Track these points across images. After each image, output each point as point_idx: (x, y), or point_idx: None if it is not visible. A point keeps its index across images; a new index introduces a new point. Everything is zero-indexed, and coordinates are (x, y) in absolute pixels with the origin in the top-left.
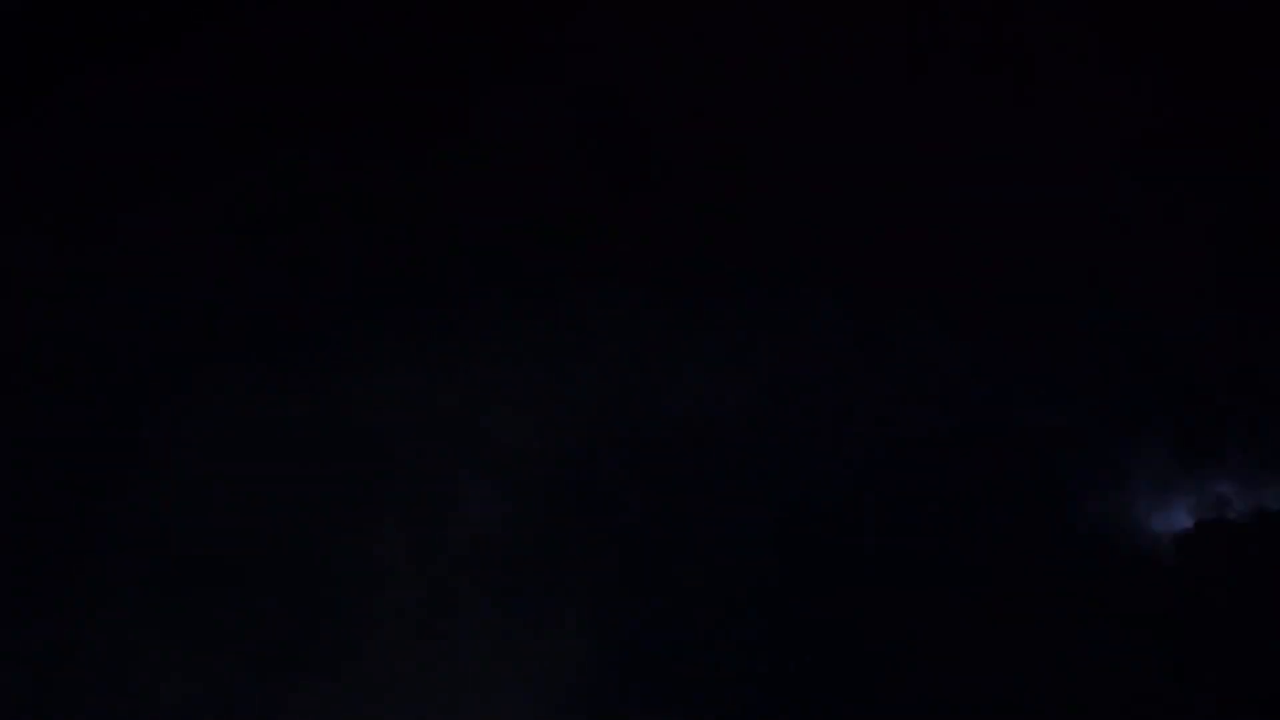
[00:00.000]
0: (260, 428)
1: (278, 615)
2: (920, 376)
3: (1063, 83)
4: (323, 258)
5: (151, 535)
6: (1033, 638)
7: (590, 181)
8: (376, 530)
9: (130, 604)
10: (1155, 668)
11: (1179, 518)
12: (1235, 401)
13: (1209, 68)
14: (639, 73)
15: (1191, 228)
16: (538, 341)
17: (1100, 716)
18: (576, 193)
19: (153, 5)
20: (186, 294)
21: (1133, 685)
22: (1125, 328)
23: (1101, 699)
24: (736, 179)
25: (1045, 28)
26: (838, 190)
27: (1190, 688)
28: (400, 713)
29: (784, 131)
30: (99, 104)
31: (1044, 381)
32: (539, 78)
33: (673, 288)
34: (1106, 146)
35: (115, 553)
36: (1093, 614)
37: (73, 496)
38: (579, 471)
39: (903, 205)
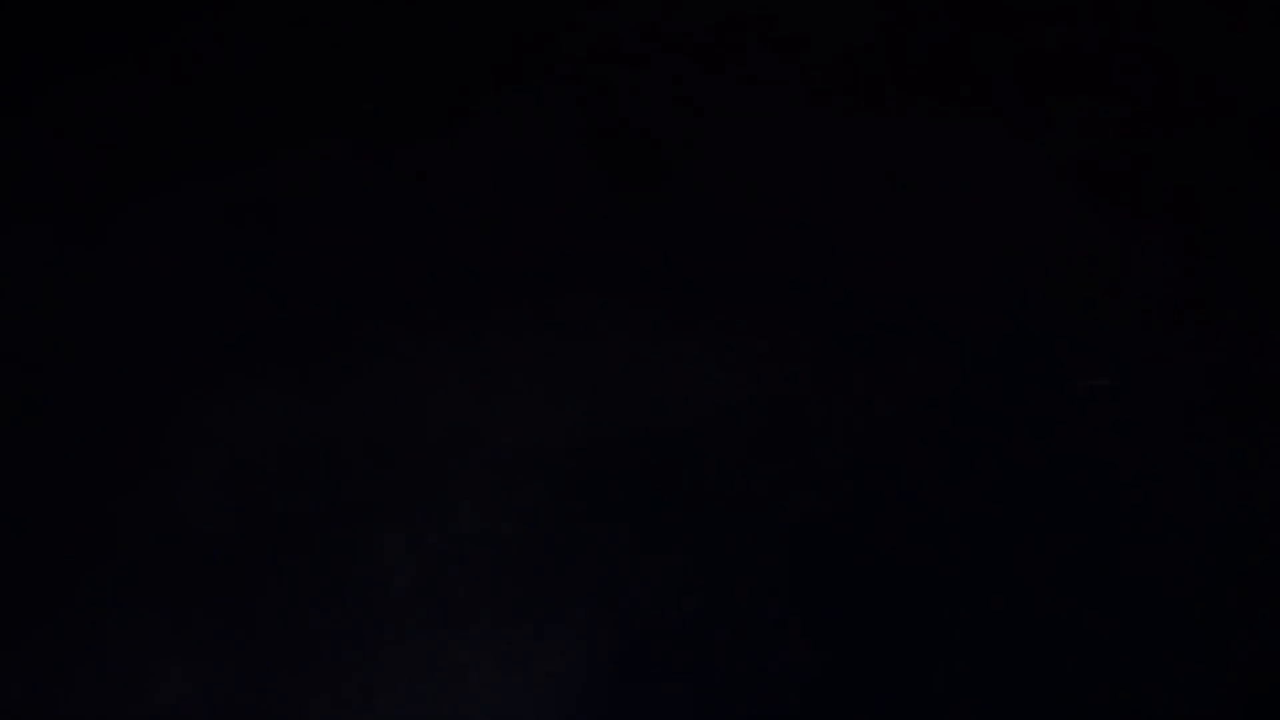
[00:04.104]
0: (259, 428)
1: (278, 615)
2: (920, 375)
3: (1067, 89)
4: (322, 258)
5: (149, 534)
6: (1048, 629)
7: (590, 182)
8: (376, 530)
9: (127, 603)
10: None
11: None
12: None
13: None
14: (641, 73)
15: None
16: (538, 340)
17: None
18: (576, 193)
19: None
20: (184, 293)
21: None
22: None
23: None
24: (739, 180)
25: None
26: (839, 194)
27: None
28: (400, 712)
29: (786, 134)
30: (96, 100)
31: (1037, 379)
32: (539, 77)
33: (675, 288)
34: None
35: (113, 552)
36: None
37: (72, 496)
38: (580, 471)
39: (907, 206)
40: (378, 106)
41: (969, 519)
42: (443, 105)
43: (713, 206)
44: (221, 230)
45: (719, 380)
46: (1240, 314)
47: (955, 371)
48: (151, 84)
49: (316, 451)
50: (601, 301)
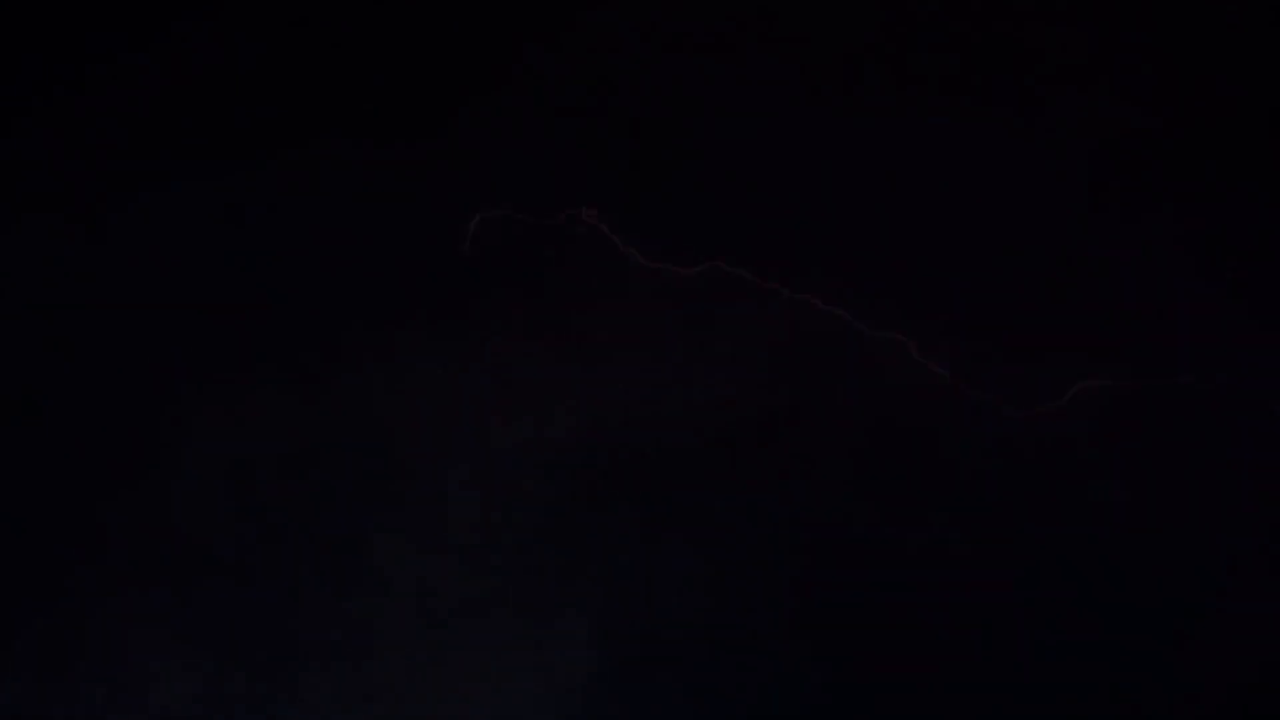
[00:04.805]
0: (257, 426)
1: (277, 615)
2: (917, 372)
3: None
4: (322, 258)
5: (148, 534)
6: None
7: (589, 179)
8: (376, 530)
9: (125, 602)
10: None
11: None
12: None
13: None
14: (641, 70)
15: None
16: (539, 339)
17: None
18: (576, 190)
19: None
20: (183, 293)
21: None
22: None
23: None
24: (740, 177)
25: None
26: (838, 190)
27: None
28: (400, 713)
29: (786, 132)
30: (96, 100)
31: (1033, 379)
32: (540, 77)
33: (674, 287)
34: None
35: (110, 549)
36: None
37: (71, 496)
38: (580, 471)
39: (907, 208)
40: (377, 106)
41: (968, 519)
42: (443, 106)
43: (712, 208)
44: (221, 230)
45: (723, 379)
46: (1242, 311)
47: (955, 372)
48: (151, 84)
49: (316, 451)
50: (602, 300)
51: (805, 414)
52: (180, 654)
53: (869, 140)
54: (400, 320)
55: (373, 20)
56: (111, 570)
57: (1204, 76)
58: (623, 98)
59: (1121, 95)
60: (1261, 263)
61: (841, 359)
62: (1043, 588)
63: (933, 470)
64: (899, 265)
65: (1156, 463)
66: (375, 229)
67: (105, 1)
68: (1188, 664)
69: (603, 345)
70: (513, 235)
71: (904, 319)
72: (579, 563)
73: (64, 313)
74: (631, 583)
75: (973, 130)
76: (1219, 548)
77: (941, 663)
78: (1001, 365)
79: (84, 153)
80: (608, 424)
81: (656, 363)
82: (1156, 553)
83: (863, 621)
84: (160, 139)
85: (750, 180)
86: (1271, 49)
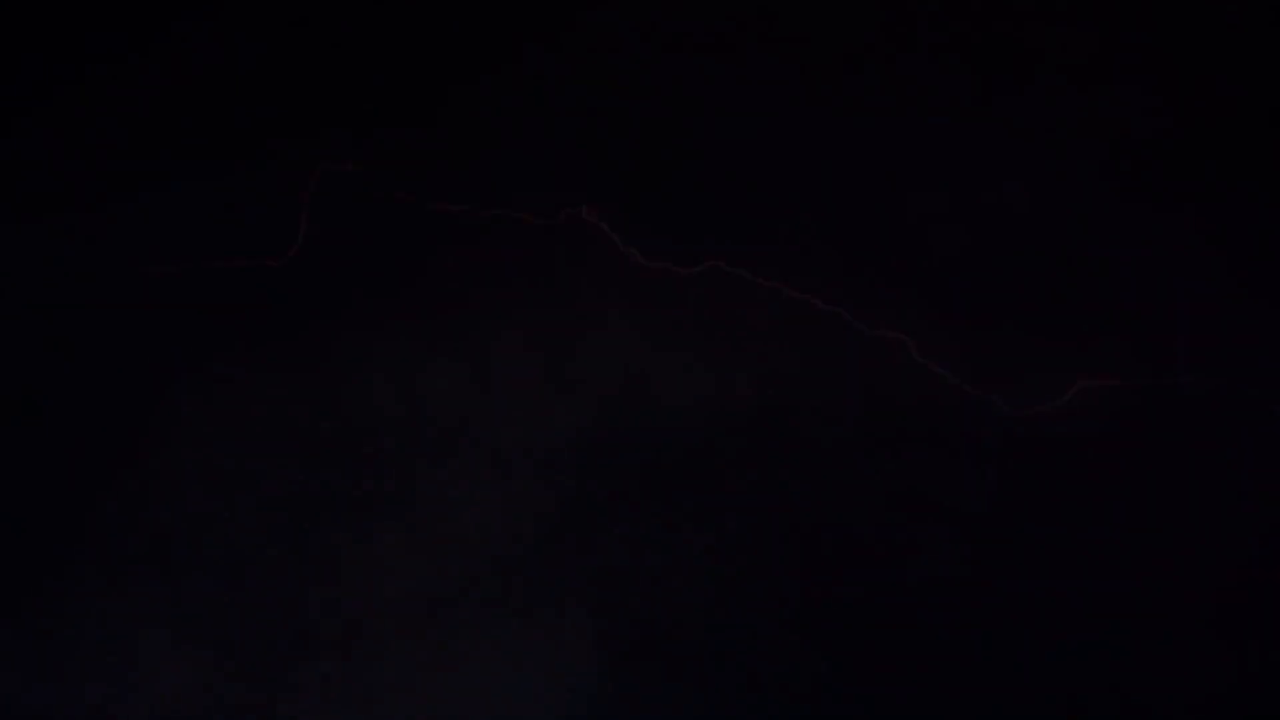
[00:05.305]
0: (256, 425)
1: (276, 614)
2: (917, 372)
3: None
4: (322, 256)
5: (146, 532)
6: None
7: (589, 179)
8: (376, 530)
9: (121, 601)
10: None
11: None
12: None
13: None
14: (641, 70)
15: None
16: (539, 339)
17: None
18: (576, 190)
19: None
20: (182, 292)
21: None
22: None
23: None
24: (740, 177)
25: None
26: (838, 187)
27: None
28: (400, 713)
29: (786, 132)
30: (91, 100)
31: (1030, 377)
32: (540, 76)
33: (674, 287)
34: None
35: (110, 549)
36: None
37: (70, 493)
38: (580, 471)
39: (907, 208)
40: (377, 106)
41: (968, 518)
42: (443, 106)
43: (712, 208)
44: (221, 230)
45: (723, 377)
46: (1242, 310)
47: (955, 372)
48: (151, 84)
49: (316, 451)
50: (602, 300)
51: (805, 414)
52: (179, 653)
53: (869, 140)
54: (400, 320)
55: (373, 20)
56: (110, 569)
57: (1205, 77)
58: (623, 98)
59: (1122, 96)
60: (1261, 263)
61: (841, 359)
62: (1043, 588)
63: (932, 469)
64: (899, 265)
65: (1156, 463)
66: (375, 229)
67: (105, 1)
68: (1188, 664)
69: (603, 345)
70: (513, 235)
71: (904, 319)
72: (580, 562)
73: (64, 313)
74: (633, 583)
75: (973, 130)
76: (1219, 548)
77: (941, 662)
78: (1001, 365)
79: (84, 153)
80: (607, 424)
81: (656, 363)
82: (1157, 553)
83: (863, 621)
84: (160, 139)
85: (750, 180)
86: (1272, 49)
